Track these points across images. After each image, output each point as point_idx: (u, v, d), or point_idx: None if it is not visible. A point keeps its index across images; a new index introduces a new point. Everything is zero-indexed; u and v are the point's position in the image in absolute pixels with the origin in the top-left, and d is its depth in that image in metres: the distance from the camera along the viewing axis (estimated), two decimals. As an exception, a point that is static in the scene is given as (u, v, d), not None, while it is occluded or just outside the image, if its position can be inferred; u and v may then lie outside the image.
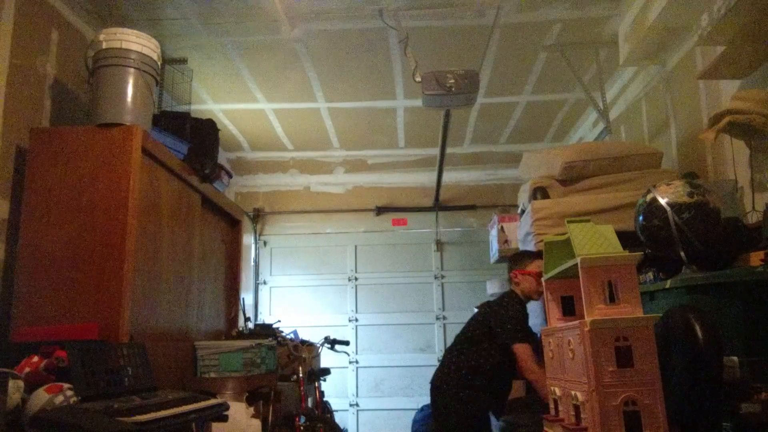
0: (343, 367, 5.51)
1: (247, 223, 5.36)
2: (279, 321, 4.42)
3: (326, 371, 4.31)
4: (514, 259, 3.01)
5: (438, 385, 2.91)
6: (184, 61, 3.75)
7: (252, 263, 5.73)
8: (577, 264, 1.67)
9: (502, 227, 4.36)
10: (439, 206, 5.81)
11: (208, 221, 3.70)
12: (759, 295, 1.97)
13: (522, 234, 3.35)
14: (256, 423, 2.98)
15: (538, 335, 3.47)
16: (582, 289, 1.65)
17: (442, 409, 2.85)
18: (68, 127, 2.92)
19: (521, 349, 2.71)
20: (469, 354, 2.86)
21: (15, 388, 1.86)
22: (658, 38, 3.24)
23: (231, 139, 5.34)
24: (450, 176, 5.62)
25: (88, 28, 3.30)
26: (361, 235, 5.76)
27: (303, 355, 3.73)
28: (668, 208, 2.22)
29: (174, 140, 3.16)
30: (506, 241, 4.32)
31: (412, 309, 5.64)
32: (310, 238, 5.84)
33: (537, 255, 2.88)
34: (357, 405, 5.54)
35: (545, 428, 1.92)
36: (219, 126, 3.62)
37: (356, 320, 5.70)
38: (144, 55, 2.85)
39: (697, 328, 1.75)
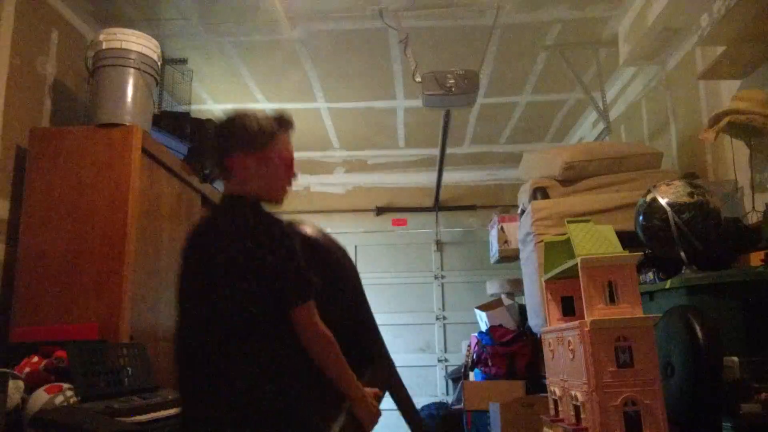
0: (343, 367, 5.50)
1: (247, 223, 5.35)
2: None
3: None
4: (226, 132, 1.61)
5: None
6: (184, 61, 3.75)
7: (252, 263, 5.72)
8: (577, 264, 1.67)
9: (502, 227, 4.36)
10: (439, 206, 5.80)
11: (208, 221, 3.69)
12: (759, 295, 1.97)
13: (522, 234, 3.35)
14: (256, 423, 2.98)
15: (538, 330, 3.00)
16: (582, 289, 1.65)
17: None
18: (68, 127, 2.92)
19: (305, 312, 1.47)
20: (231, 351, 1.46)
21: (15, 388, 1.86)
22: (658, 38, 3.23)
23: (231, 139, 5.33)
24: (450, 176, 5.62)
25: (88, 28, 3.30)
26: (361, 236, 5.75)
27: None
28: (668, 208, 2.22)
29: (174, 140, 3.16)
30: (506, 242, 4.31)
31: (412, 309, 5.63)
32: (310, 238, 5.83)
33: (280, 124, 1.64)
34: (357, 405, 5.53)
35: (545, 428, 1.92)
36: (219, 126, 3.62)
37: (356, 320, 5.70)
38: (144, 55, 2.85)
39: (697, 328, 1.75)
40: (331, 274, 1.69)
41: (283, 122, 1.65)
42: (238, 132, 1.58)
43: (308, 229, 1.76)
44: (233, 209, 1.56)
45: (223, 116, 1.64)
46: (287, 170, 1.65)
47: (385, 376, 1.79)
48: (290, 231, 1.55)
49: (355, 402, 1.56)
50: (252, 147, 1.58)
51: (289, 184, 1.68)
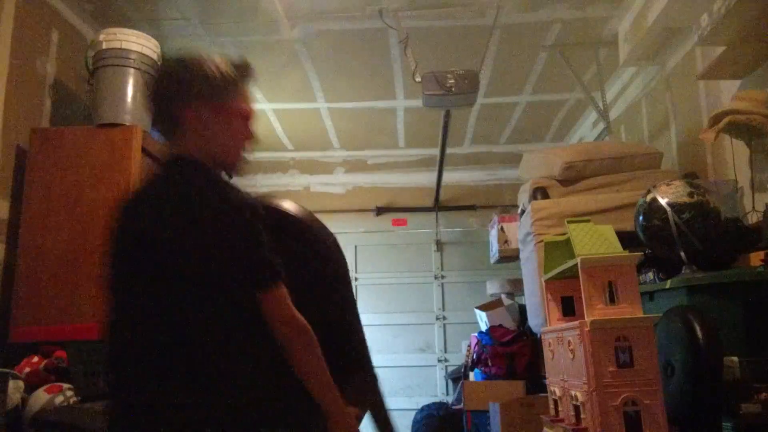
0: (343, 367, 5.50)
1: (247, 223, 5.34)
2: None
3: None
4: (179, 77, 1.35)
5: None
6: (184, 61, 3.75)
7: (252, 263, 5.72)
8: (577, 264, 1.67)
9: (502, 227, 4.35)
10: (439, 206, 5.80)
11: (208, 221, 3.69)
12: (759, 295, 1.97)
13: (522, 234, 3.34)
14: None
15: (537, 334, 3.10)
16: (582, 289, 1.65)
17: None
18: (68, 127, 2.92)
19: (271, 300, 1.22)
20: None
21: (15, 388, 1.86)
22: (658, 38, 3.24)
23: (231, 139, 5.33)
24: (450, 176, 5.61)
25: (88, 28, 3.30)
26: (361, 236, 5.75)
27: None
28: (668, 208, 2.22)
29: (174, 140, 3.15)
30: (506, 242, 4.31)
31: (412, 309, 5.63)
32: (310, 238, 5.83)
33: (241, 73, 1.45)
34: (357, 405, 5.53)
35: (545, 428, 1.92)
36: (219, 126, 3.61)
37: (356, 320, 5.69)
38: (144, 55, 2.85)
39: (697, 328, 1.75)
40: (314, 259, 1.46)
41: (243, 70, 1.43)
42: (196, 78, 1.32)
43: (287, 205, 1.47)
44: (180, 175, 1.27)
45: (175, 59, 1.37)
46: (246, 128, 1.39)
47: (368, 393, 1.49)
48: (254, 204, 1.27)
49: (333, 417, 1.27)
50: (210, 97, 1.32)
51: (247, 146, 1.40)
